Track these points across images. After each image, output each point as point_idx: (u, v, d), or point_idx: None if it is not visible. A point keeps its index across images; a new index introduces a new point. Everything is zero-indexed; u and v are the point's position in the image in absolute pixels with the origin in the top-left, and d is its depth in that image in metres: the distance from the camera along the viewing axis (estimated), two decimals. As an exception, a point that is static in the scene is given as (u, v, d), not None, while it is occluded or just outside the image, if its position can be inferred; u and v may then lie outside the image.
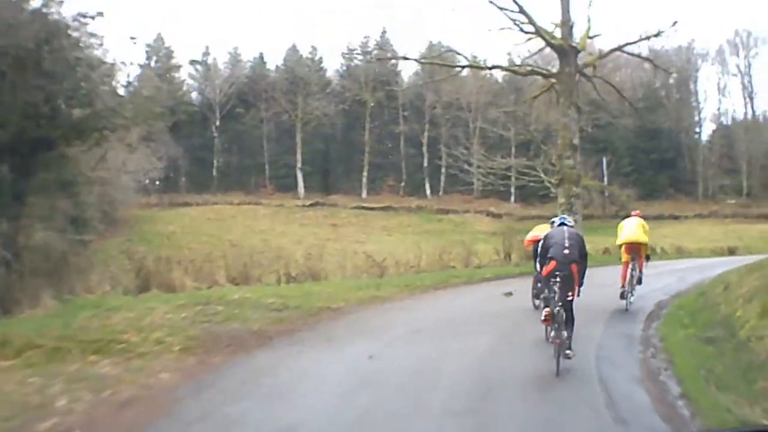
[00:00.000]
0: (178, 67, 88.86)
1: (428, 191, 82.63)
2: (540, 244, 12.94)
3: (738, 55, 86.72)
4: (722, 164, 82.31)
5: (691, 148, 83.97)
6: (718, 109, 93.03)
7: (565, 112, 33.97)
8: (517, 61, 41.00)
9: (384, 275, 25.03)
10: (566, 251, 11.88)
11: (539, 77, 38.80)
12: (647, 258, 18.66)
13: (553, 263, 11.89)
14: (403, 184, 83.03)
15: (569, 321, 11.69)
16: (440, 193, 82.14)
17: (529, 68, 37.44)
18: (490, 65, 38.01)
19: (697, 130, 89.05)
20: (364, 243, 63.21)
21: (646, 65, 75.51)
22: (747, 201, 77.16)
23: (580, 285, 12.15)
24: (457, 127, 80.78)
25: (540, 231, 16.06)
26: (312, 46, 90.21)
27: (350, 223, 73.64)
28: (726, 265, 22.81)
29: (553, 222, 13.92)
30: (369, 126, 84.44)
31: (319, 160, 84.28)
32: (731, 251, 44.38)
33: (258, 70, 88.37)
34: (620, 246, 18.37)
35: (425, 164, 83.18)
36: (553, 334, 11.69)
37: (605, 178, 67.32)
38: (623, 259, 18.19)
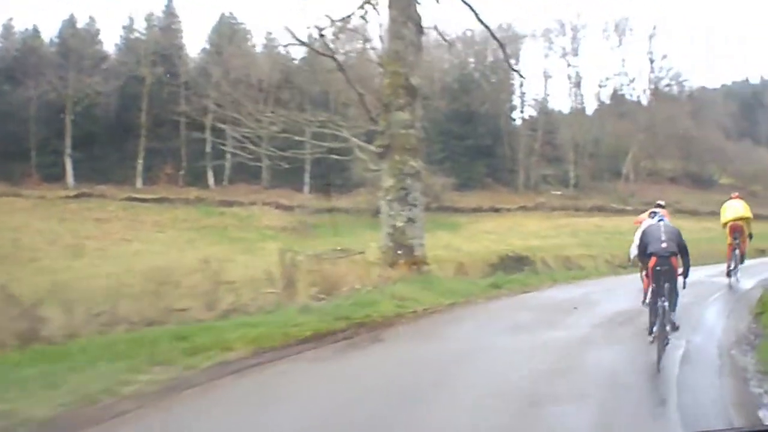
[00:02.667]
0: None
1: (211, 180, 72.21)
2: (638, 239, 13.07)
3: (565, 35, 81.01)
4: (545, 152, 76.87)
5: (510, 135, 77.40)
6: (543, 93, 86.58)
7: (399, 32, 22.15)
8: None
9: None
10: (664, 245, 11.75)
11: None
12: (750, 237, 19.96)
13: (653, 259, 11.76)
14: (182, 172, 72.26)
15: (672, 294, 11.66)
16: (225, 182, 72.04)
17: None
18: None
19: (519, 115, 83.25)
20: (131, 242, 55.69)
21: (459, 45, 74.07)
22: (574, 192, 72.61)
23: (685, 276, 12.09)
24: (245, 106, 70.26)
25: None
26: (90, 17, 78.52)
27: (117, 217, 63.84)
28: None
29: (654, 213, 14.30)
30: (146, 106, 73.29)
31: (92, 144, 71.98)
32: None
33: (30, 42, 76.13)
34: (725, 225, 19.89)
35: (208, 149, 72.14)
36: (656, 328, 11.51)
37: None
38: (728, 241, 19.80)
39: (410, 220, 22.40)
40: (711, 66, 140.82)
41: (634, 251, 15.26)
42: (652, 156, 77.89)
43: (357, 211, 57.41)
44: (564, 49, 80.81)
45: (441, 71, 73.66)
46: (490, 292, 21.33)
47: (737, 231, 19.49)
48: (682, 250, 11.95)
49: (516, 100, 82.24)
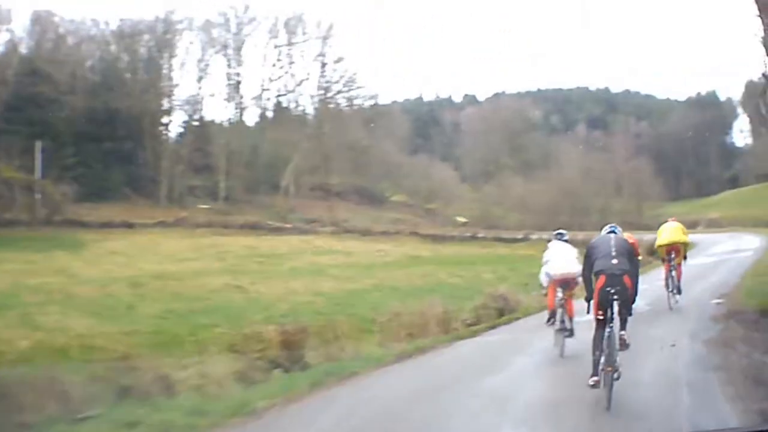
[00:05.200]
0: None
1: None
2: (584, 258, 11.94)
3: (229, 31, 72.63)
4: (194, 160, 69.17)
5: (155, 139, 69.40)
6: (196, 93, 76.27)
7: None
8: None
9: None
10: (614, 261, 10.89)
11: None
12: (684, 258, 20.75)
13: (602, 278, 10.85)
14: None
15: (623, 312, 11.07)
16: None
17: None
18: None
19: (167, 117, 73.55)
20: None
21: (109, 37, 67.48)
22: (225, 206, 65.83)
23: (633, 301, 11.21)
24: None
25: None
26: None
27: None
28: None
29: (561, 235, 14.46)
30: None
31: None
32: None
33: None
34: (659, 248, 20.96)
35: None
36: (603, 360, 10.51)
37: (39, 171, 56.36)
38: (663, 260, 20.88)
39: None
40: (387, 81, 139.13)
41: (544, 277, 14.42)
42: (317, 168, 72.92)
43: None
44: (225, 45, 73.21)
45: (86, 67, 67.06)
46: None
47: (673, 251, 20.42)
48: (634, 267, 11.22)
49: (165, 101, 73.64)
